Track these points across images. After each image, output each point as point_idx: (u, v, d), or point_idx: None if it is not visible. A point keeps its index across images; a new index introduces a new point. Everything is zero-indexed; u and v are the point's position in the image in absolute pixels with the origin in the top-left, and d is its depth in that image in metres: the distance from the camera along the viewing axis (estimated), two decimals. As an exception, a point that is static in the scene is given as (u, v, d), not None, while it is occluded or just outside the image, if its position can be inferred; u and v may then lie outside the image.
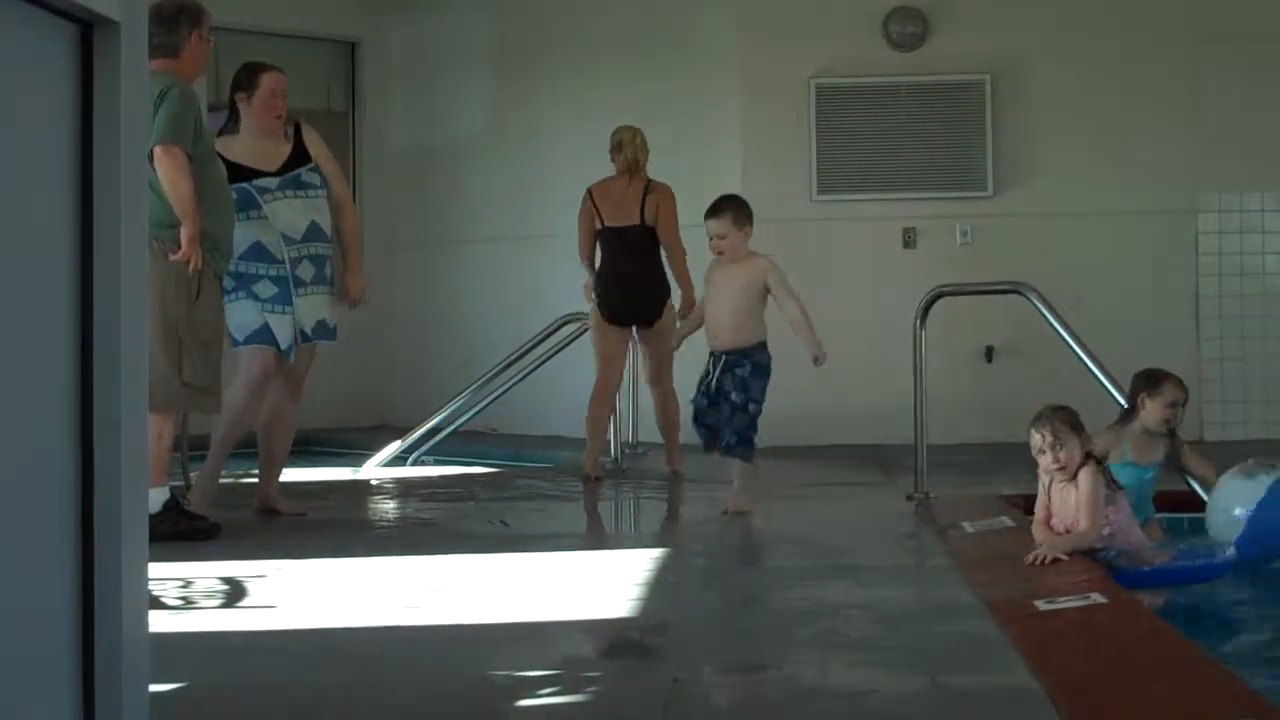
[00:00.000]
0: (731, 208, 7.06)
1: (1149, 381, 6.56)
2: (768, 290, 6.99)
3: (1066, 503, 5.41)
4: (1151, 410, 6.49)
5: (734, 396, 6.78)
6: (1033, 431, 5.48)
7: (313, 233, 7.00)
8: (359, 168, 13.00)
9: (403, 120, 13.10)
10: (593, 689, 3.56)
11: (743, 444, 6.78)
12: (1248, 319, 10.91)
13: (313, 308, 6.99)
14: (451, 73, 12.77)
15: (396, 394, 12.59)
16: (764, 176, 11.13)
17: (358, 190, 12.94)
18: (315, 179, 7.07)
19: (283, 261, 6.85)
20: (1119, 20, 11.00)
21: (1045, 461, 5.45)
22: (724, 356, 6.88)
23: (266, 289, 6.83)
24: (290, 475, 7.64)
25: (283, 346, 6.88)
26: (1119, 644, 3.95)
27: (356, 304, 7.27)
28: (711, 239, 6.99)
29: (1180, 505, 6.93)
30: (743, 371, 6.81)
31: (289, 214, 6.95)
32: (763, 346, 6.98)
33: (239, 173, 6.81)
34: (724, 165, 11.12)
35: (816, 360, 6.97)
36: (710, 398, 6.87)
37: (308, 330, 6.98)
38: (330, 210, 7.13)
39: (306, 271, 6.96)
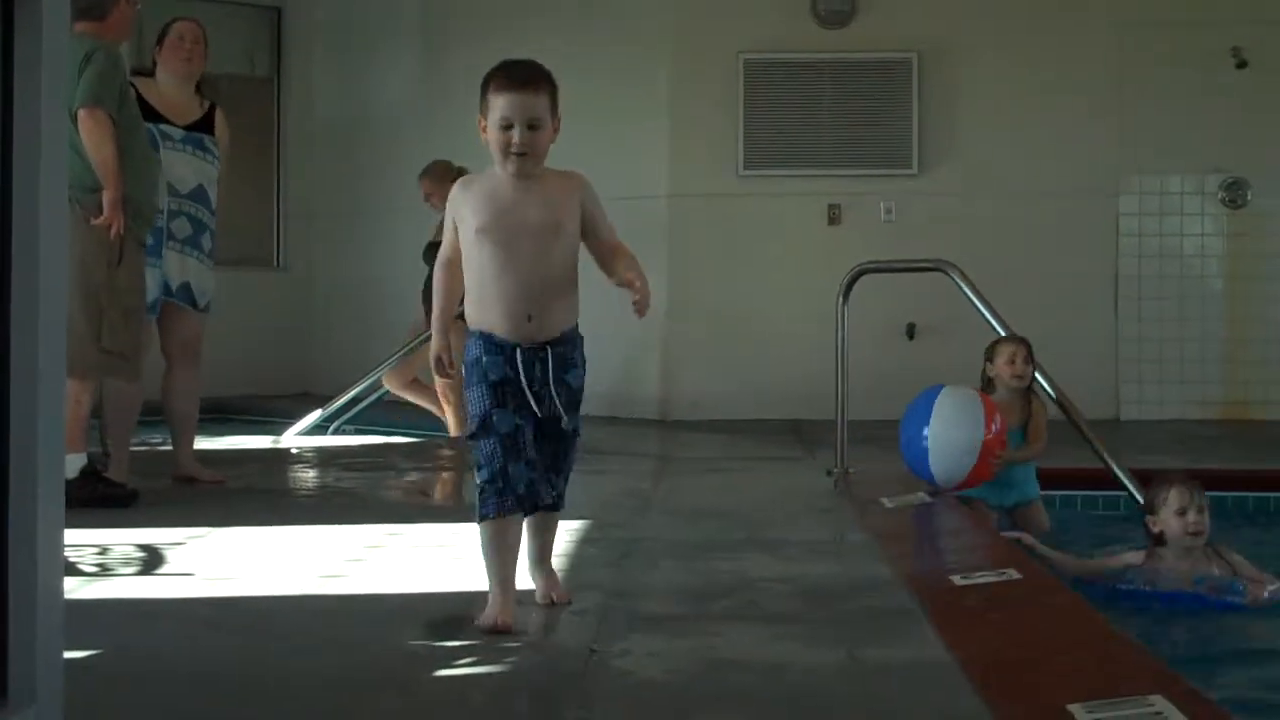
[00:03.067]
0: (548, 80, 4.18)
1: (988, 351, 6.95)
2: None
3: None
4: (1000, 372, 6.84)
5: (565, 423, 4.20)
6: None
7: (198, 195, 7.02)
8: (282, 135, 12.90)
9: (328, 87, 13.01)
10: (510, 659, 3.56)
11: (565, 488, 4.34)
12: (1166, 300, 11.05)
13: (179, 266, 6.99)
14: (379, 40, 12.69)
15: (319, 363, 12.53)
16: (691, 151, 11.16)
17: (281, 157, 12.86)
18: (215, 150, 7.12)
19: (162, 212, 6.81)
20: (1045, 2, 11.08)
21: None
22: (548, 349, 4.14)
23: None
24: (209, 443, 7.60)
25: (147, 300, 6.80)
26: (1033, 618, 4.00)
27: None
28: (508, 129, 4.09)
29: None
30: (575, 379, 4.25)
31: (182, 168, 6.97)
32: (579, 333, 4.37)
33: (148, 114, 6.78)
34: (652, 139, 11.15)
35: (642, 308, 4.33)
36: (517, 406, 4.09)
37: (172, 287, 6.96)
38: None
39: (181, 229, 6.96)
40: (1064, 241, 11.03)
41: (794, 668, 3.52)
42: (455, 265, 4.22)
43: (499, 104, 4.15)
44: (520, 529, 4.15)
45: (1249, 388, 11.01)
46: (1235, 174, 11.02)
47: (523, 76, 4.19)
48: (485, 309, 4.14)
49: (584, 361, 4.36)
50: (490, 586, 4.00)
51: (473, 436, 4.15)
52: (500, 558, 4.03)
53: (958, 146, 11.10)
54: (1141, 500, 6.17)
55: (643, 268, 4.39)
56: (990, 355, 6.91)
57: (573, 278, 4.29)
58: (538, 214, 4.14)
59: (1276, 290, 11.02)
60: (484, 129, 4.21)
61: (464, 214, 4.19)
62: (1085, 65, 11.06)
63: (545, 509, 4.27)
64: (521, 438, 4.08)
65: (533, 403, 4.11)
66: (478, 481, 4.10)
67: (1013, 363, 6.79)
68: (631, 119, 11.16)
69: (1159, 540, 5.57)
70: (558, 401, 4.17)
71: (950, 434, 6.31)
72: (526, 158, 4.12)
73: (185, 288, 7.04)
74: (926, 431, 6.33)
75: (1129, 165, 11.08)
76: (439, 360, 4.25)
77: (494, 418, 4.08)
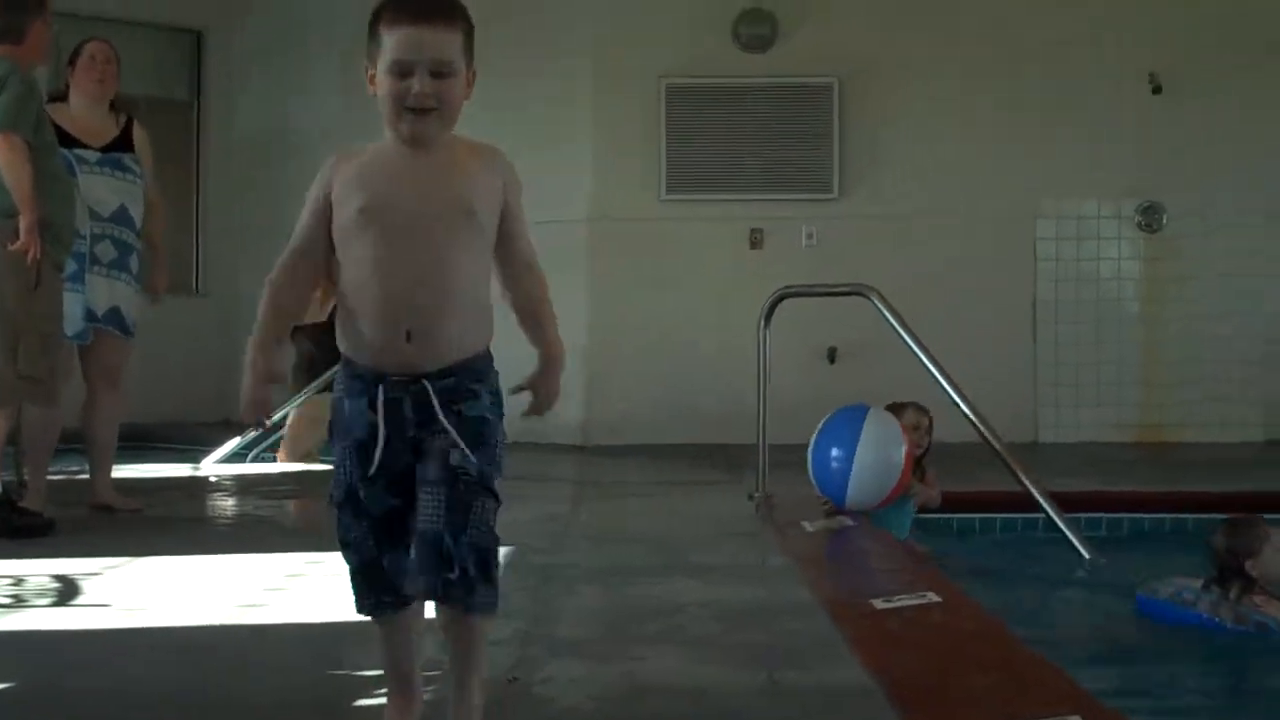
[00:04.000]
0: (461, 14, 3.19)
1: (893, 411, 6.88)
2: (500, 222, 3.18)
3: None
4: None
5: (455, 458, 3.05)
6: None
7: (121, 216, 6.94)
8: (203, 157, 12.81)
9: (250, 110, 12.92)
10: (430, 688, 3.54)
11: (487, 572, 3.03)
12: (1082, 324, 11.16)
13: (108, 291, 6.91)
14: (300, 62, 12.63)
15: (239, 389, 12.40)
16: (614, 174, 11.18)
17: (202, 180, 12.77)
18: (135, 168, 7.03)
19: (85, 237, 6.75)
20: (964, 27, 11.18)
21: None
22: (427, 385, 3.05)
23: (66, 265, 6.59)
24: (127, 471, 7.50)
25: (69, 332, 6.73)
26: (952, 641, 4.02)
27: (158, 298, 7.23)
28: (405, 75, 3.04)
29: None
30: (474, 408, 3.14)
31: (102, 190, 6.89)
32: (490, 359, 3.26)
33: (62, 139, 6.72)
34: (574, 162, 11.16)
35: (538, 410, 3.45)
36: (393, 477, 3.07)
37: (98, 313, 6.88)
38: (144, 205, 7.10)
39: (106, 252, 6.89)
40: (983, 266, 11.13)
41: (716, 691, 3.52)
42: (303, 260, 3.20)
43: (393, 42, 3.03)
44: (417, 616, 3.23)
45: (1164, 410, 11.13)
46: (1151, 198, 11.16)
47: (427, 5, 3.08)
48: (352, 324, 3.08)
49: (495, 398, 3.23)
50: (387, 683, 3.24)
51: (337, 506, 3.18)
52: (391, 654, 3.20)
53: (878, 171, 11.18)
54: (1061, 522, 6.25)
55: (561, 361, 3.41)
56: (897, 416, 6.84)
57: (483, 285, 3.16)
58: (440, 193, 3.05)
59: (1191, 314, 11.15)
60: (372, 80, 3.08)
61: (339, 192, 3.10)
62: (1003, 90, 11.16)
63: (451, 603, 2.99)
64: (399, 519, 3.07)
65: (409, 456, 3.04)
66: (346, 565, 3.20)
67: (916, 429, 6.85)
68: (553, 143, 11.15)
69: (1244, 581, 5.41)
70: (447, 438, 3.04)
71: (878, 455, 6.37)
72: (430, 116, 3.04)
73: (114, 312, 6.95)
74: (854, 454, 6.37)
75: (1046, 190, 11.20)
76: (251, 406, 3.24)
77: (361, 494, 3.08)
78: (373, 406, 3.04)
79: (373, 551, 3.11)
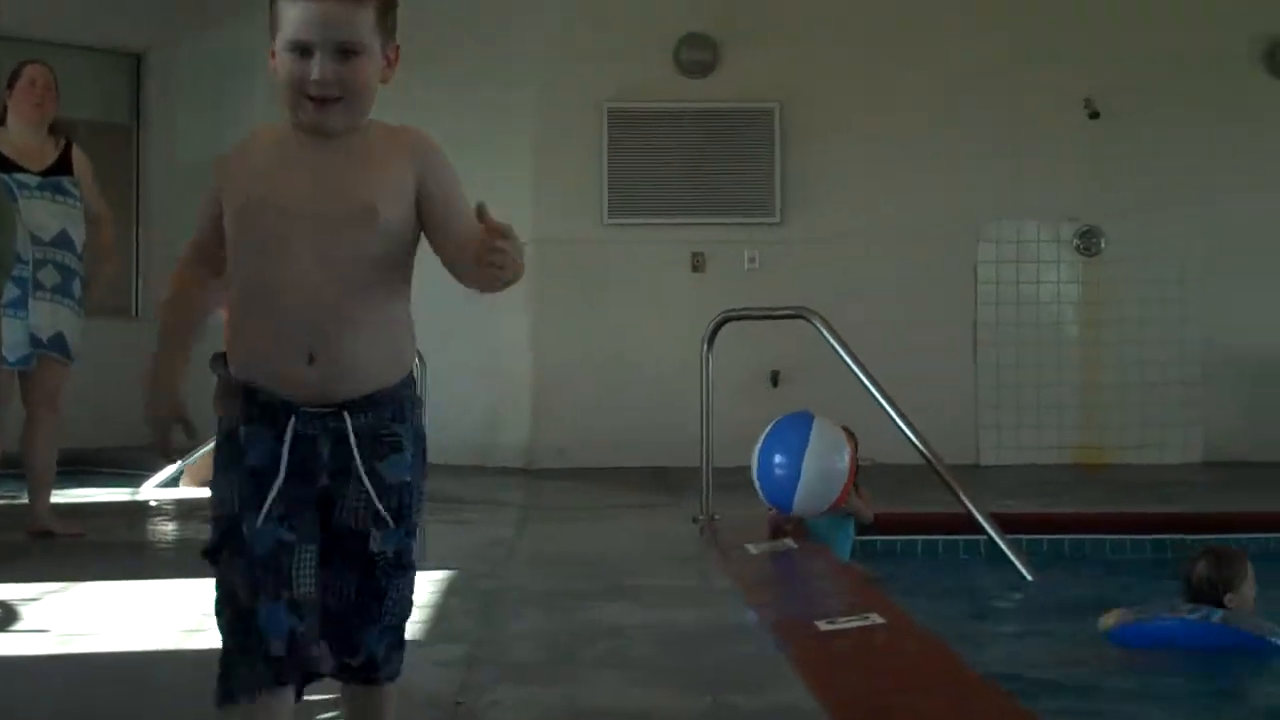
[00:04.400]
0: None
1: None
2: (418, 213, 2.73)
3: None
4: None
5: (375, 541, 2.66)
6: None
7: (62, 240, 6.89)
8: (143, 181, 12.73)
9: (190, 133, 12.83)
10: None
11: (399, 648, 2.82)
12: (1023, 346, 11.24)
13: (51, 316, 6.84)
14: (242, 86, 12.55)
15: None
16: (556, 198, 11.18)
17: (143, 204, 12.69)
18: (75, 191, 6.98)
19: (27, 263, 6.69)
20: (902, 53, 11.26)
21: None
22: (345, 417, 2.64)
23: (9, 291, 6.54)
24: (67, 496, 7.43)
25: (11, 359, 6.67)
26: (896, 663, 4.03)
27: (94, 295, 7.17)
28: (304, 54, 2.67)
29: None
30: (396, 470, 2.68)
31: (43, 215, 6.84)
32: (413, 385, 2.79)
33: (1, 164, 6.67)
34: (517, 186, 11.13)
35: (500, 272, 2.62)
36: (290, 507, 2.64)
37: (43, 338, 6.83)
38: (86, 225, 7.03)
39: (49, 277, 6.83)
40: (924, 289, 11.19)
41: (660, 715, 3.52)
42: (199, 263, 2.78)
43: (292, 16, 2.61)
44: (288, 705, 2.65)
45: (1103, 433, 11.22)
46: (1089, 222, 11.25)
47: None
48: (245, 343, 2.68)
49: (419, 442, 2.71)
50: None
51: (211, 554, 2.70)
52: None
53: (819, 195, 11.23)
54: (1003, 544, 6.29)
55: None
56: None
57: (397, 299, 2.68)
58: (339, 191, 2.61)
59: (1129, 336, 11.25)
60: (273, 58, 2.68)
61: (230, 186, 2.69)
62: (943, 115, 11.24)
63: (360, 680, 2.74)
64: (287, 563, 2.57)
65: (316, 503, 2.61)
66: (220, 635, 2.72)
67: None
68: (496, 166, 11.12)
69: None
70: (364, 505, 2.61)
71: (825, 462, 6.41)
72: (334, 106, 2.63)
73: (59, 338, 6.89)
74: (802, 461, 6.40)
75: (987, 214, 11.28)
76: (159, 426, 2.82)
77: (244, 528, 2.59)
78: (280, 439, 2.59)
79: (245, 602, 2.60)
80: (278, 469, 2.59)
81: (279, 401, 2.62)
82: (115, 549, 6.96)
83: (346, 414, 2.60)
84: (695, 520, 7.19)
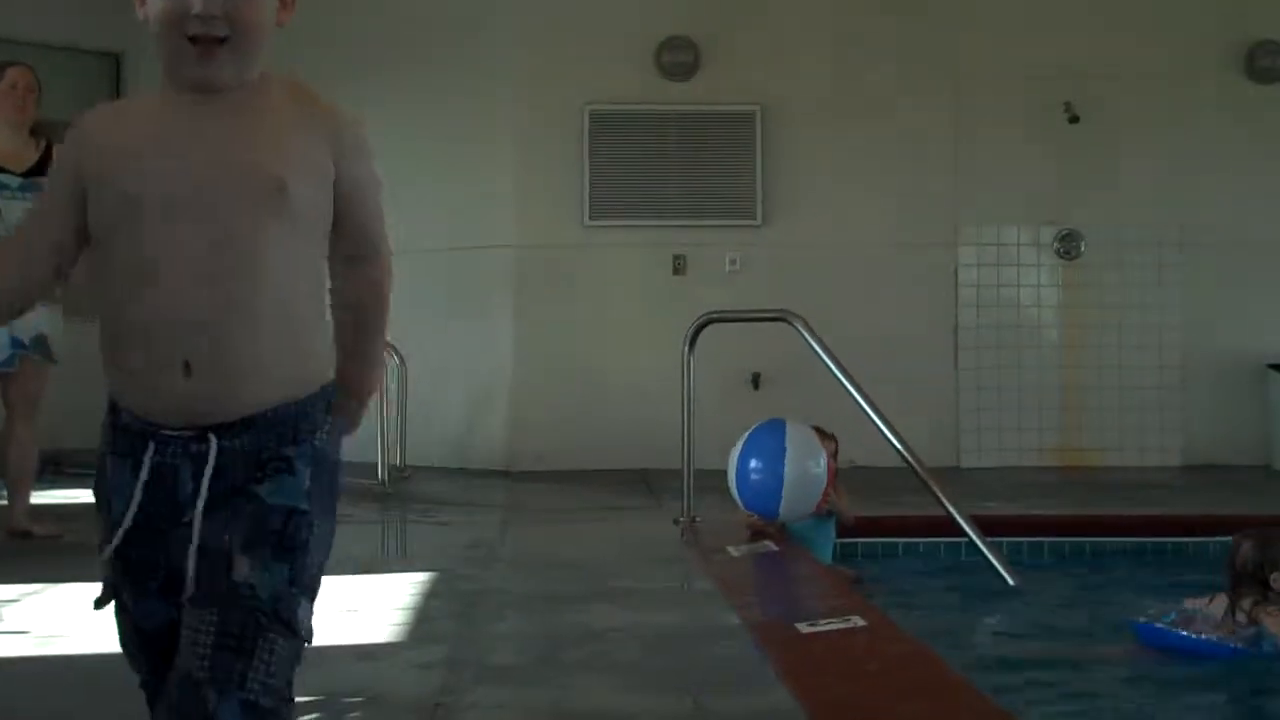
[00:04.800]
0: None
1: None
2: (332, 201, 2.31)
3: None
4: None
5: (240, 573, 2.15)
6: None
7: None
8: (122, 182, 12.70)
9: (169, 135, 12.82)
10: (355, 714, 3.52)
11: None
12: (1003, 350, 11.25)
13: (33, 318, 6.80)
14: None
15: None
16: (537, 201, 11.16)
17: (121, 205, 12.66)
18: None
19: None
20: (886, 55, 11.26)
21: None
22: (211, 441, 2.17)
23: None
24: (46, 497, 7.39)
25: None
26: (877, 665, 4.04)
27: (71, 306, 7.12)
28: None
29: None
30: (281, 492, 2.19)
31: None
32: (325, 401, 2.29)
33: None
34: (497, 189, 11.14)
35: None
36: (170, 577, 2.22)
37: (25, 340, 6.80)
38: None
39: None
40: (905, 292, 11.20)
41: (642, 717, 3.52)
42: (26, 240, 2.29)
43: None
44: None
45: (1084, 435, 11.24)
46: (1069, 226, 11.28)
47: None
48: (116, 352, 2.20)
49: (324, 472, 2.22)
50: None
51: (100, 604, 2.40)
52: None
53: (801, 197, 11.23)
54: (984, 546, 6.31)
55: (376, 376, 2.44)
56: None
57: (305, 297, 2.23)
58: (232, 161, 2.17)
59: (1109, 339, 11.27)
60: (142, 3, 2.23)
61: (91, 165, 2.22)
62: (924, 118, 11.25)
63: None
64: (171, 640, 2.20)
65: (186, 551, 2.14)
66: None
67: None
68: (477, 169, 11.14)
69: (1260, 594, 5.37)
70: (226, 535, 2.13)
71: (804, 466, 6.42)
72: (217, 51, 2.18)
73: (40, 340, 6.86)
74: (783, 468, 6.41)
75: (967, 217, 11.29)
76: None
77: (126, 598, 2.30)
78: (136, 473, 2.15)
79: (144, 669, 2.32)
80: (143, 516, 2.15)
81: (139, 424, 2.15)
82: (93, 550, 6.92)
83: (213, 436, 2.11)
84: (676, 522, 7.19)
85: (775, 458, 6.45)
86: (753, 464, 6.52)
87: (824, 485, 6.49)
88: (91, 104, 2.48)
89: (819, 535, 6.78)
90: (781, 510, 6.47)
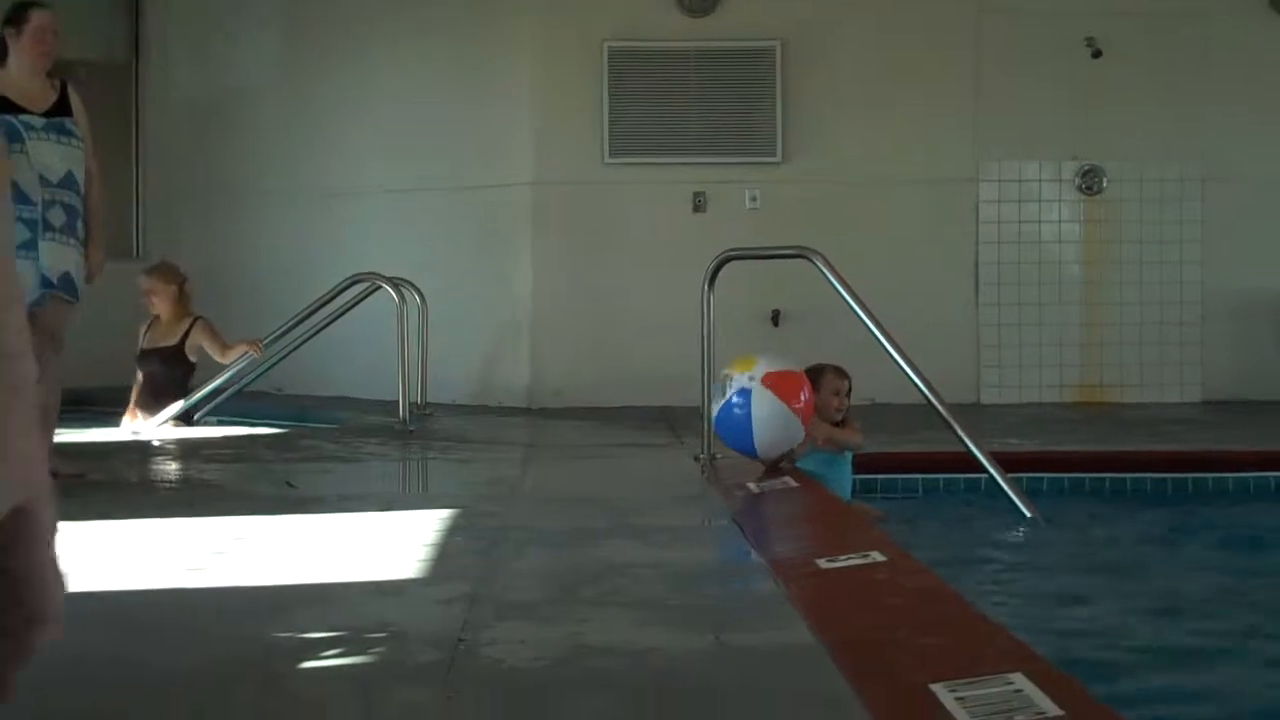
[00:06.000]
0: None
1: (810, 376, 6.84)
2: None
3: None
4: (825, 402, 6.86)
5: None
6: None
7: (69, 181, 6.85)
8: (141, 120, 12.70)
9: (188, 71, 12.80)
10: (378, 649, 3.55)
11: None
12: (1024, 286, 11.24)
13: (61, 256, 6.81)
14: (238, 22, 12.52)
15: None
16: (556, 139, 11.15)
17: (141, 142, 12.67)
18: (76, 132, 6.94)
19: (36, 204, 6.67)
20: (905, -9, 11.21)
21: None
22: None
23: (19, 233, 6.49)
24: (68, 435, 7.44)
25: (27, 300, 6.67)
26: (897, 600, 4.05)
27: (94, 278, 7.12)
28: None
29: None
30: None
31: (50, 156, 6.80)
32: None
33: (4, 105, 6.65)
34: (517, 127, 11.13)
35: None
36: None
37: (53, 279, 6.81)
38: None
39: (57, 218, 6.79)
40: (925, 228, 11.18)
41: (661, 653, 3.54)
42: None
43: None
44: None
45: (1104, 371, 11.24)
46: (1091, 161, 11.23)
47: None
48: None
49: None
50: None
51: None
52: None
53: (821, 134, 11.19)
54: (1003, 482, 6.34)
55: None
56: (816, 382, 6.83)
57: None
58: None
59: (1130, 276, 11.25)
60: None
61: None
62: (945, 54, 11.20)
63: None
64: None
65: None
66: None
67: (837, 394, 6.88)
68: (496, 107, 11.12)
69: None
70: None
71: (773, 405, 6.45)
72: None
73: (66, 278, 6.87)
74: (749, 406, 6.46)
75: (988, 153, 11.25)
76: None
77: None
78: None
79: None
80: None
81: None
82: (118, 488, 6.98)
83: None
84: (696, 459, 7.21)
85: (745, 396, 6.49)
86: (732, 401, 6.57)
87: (799, 423, 6.47)
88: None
89: (834, 473, 6.80)
90: (758, 448, 6.50)
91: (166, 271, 9.66)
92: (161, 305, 9.53)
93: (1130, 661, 4.44)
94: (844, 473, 6.90)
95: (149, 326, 9.65)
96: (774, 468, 6.63)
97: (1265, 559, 6.22)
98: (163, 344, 9.50)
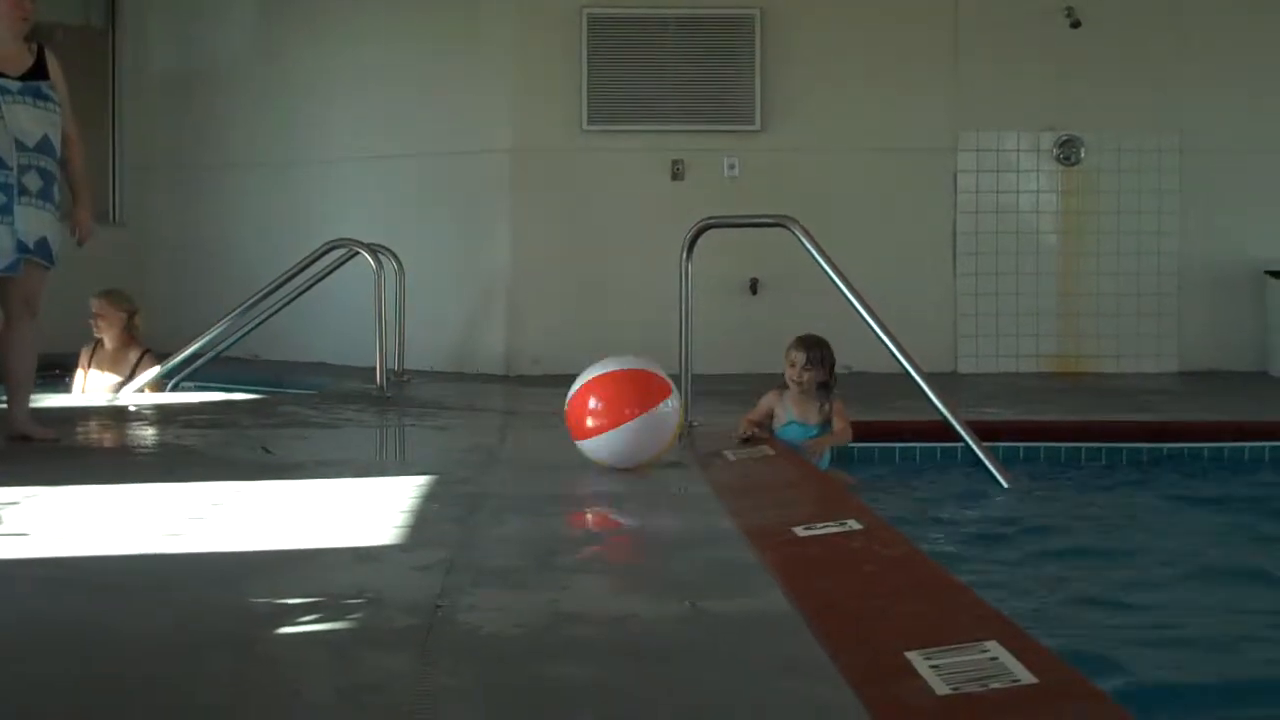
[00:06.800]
0: None
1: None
2: None
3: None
4: (787, 371, 6.89)
5: None
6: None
7: (45, 146, 6.81)
8: (118, 87, 12.63)
9: (165, 38, 12.74)
10: (354, 615, 3.55)
11: None
12: (1001, 256, 11.26)
13: (37, 221, 6.78)
14: (216, -10, 12.46)
15: (158, 318, 12.31)
16: (534, 106, 11.12)
17: (116, 110, 12.61)
18: (53, 96, 6.89)
19: (12, 168, 6.64)
20: (885, -41, 11.19)
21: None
22: None
23: None
24: (44, 400, 7.40)
25: (2, 265, 6.65)
26: (873, 568, 4.07)
27: (84, 242, 7.09)
28: None
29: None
30: None
31: (26, 120, 6.75)
32: None
33: None
34: (495, 94, 11.09)
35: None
36: None
37: (29, 244, 6.78)
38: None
39: (33, 183, 6.76)
40: (903, 198, 11.20)
41: (638, 619, 3.54)
42: None
43: None
44: None
45: (1080, 341, 11.27)
46: (1069, 132, 11.24)
47: None
48: None
49: None
50: None
51: None
52: None
53: (800, 103, 11.18)
54: (979, 451, 6.36)
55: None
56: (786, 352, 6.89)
57: None
58: None
59: (1107, 246, 11.28)
60: None
61: None
62: (924, 23, 11.20)
63: None
64: None
65: None
66: None
67: (793, 365, 6.86)
68: (474, 74, 11.08)
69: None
70: None
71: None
72: None
73: (43, 243, 6.84)
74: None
75: (966, 123, 11.26)
76: None
77: None
78: None
79: None
80: None
81: None
82: (93, 453, 6.96)
83: None
84: (674, 427, 7.21)
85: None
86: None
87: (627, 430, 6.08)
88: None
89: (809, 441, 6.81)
90: (642, 458, 6.13)
91: (119, 299, 9.42)
92: (108, 331, 9.29)
93: (1104, 629, 4.47)
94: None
95: (93, 351, 9.47)
96: (752, 436, 6.65)
97: (1238, 528, 6.25)
98: (110, 375, 9.36)
